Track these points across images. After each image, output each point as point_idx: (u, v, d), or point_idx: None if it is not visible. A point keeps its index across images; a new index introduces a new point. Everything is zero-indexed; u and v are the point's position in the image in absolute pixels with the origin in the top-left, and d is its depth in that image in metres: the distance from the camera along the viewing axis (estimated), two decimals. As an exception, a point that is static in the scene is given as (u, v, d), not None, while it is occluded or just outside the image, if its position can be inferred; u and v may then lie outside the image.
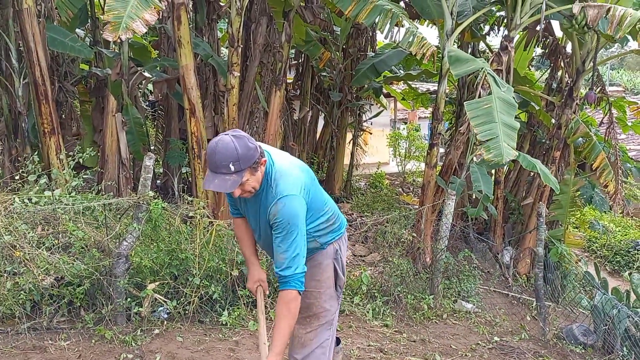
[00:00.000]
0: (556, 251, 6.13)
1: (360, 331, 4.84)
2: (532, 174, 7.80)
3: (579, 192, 7.23)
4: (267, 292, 3.15)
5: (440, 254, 5.64)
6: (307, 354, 2.97)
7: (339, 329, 4.82)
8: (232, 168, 2.44)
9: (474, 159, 6.42)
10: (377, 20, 5.62)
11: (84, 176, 4.96)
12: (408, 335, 4.86)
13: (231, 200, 3.01)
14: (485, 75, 5.35)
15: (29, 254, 3.93)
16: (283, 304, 2.64)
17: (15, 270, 3.97)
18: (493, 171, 7.46)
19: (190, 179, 7.11)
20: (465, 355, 4.47)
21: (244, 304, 4.83)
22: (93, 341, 4.06)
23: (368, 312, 5.20)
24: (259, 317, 2.96)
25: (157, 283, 4.39)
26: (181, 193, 6.55)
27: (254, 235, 3.01)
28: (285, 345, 2.74)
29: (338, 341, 3.64)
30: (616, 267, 8.59)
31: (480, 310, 5.65)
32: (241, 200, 2.85)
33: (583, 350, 4.68)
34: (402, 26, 5.75)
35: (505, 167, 7.84)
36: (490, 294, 6.53)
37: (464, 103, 5.31)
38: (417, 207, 6.94)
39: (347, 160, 10.50)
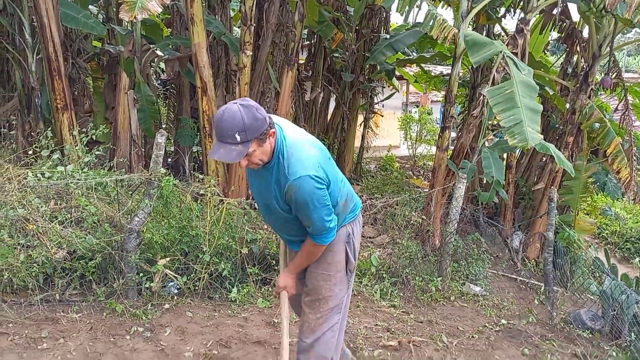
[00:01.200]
0: (563, 235, 6.09)
1: (367, 311, 4.87)
2: (544, 158, 7.74)
3: (593, 179, 7.16)
4: (294, 293, 3.09)
5: (450, 237, 5.64)
6: (316, 338, 2.98)
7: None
8: (238, 138, 2.38)
9: (486, 143, 6.38)
10: (396, 2, 5.55)
11: (97, 152, 4.98)
12: (415, 316, 4.89)
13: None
14: (502, 59, 5.29)
15: (42, 227, 3.97)
16: (309, 245, 2.78)
17: (29, 243, 4.03)
18: (505, 155, 7.42)
19: (201, 158, 7.13)
20: (472, 336, 4.49)
21: (253, 281, 4.87)
22: (104, 314, 4.12)
23: (376, 292, 5.22)
24: (282, 322, 2.98)
25: (167, 259, 4.43)
26: (192, 172, 6.59)
27: (260, 209, 2.97)
28: (299, 270, 2.95)
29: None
30: (626, 255, 8.54)
31: (488, 294, 5.66)
32: (251, 172, 2.81)
33: (590, 335, 4.68)
34: (420, 9, 5.71)
35: (517, 152, 7.78)
36: (498, 278, 6.53)
37: (486, 91, 5.25)
38: (427, 190, 6.92)
39: (357, 143, 10.47)
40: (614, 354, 4.28)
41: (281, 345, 2.91)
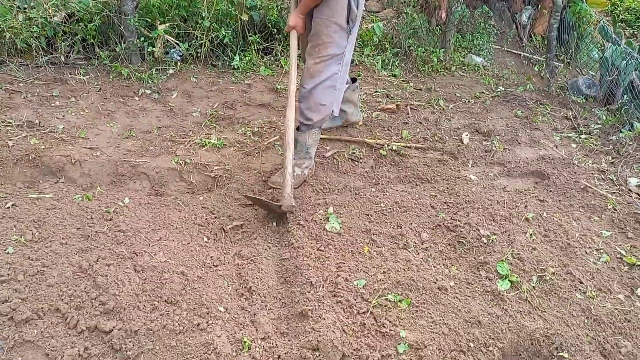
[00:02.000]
0: (575, 9, 5.88)
1: (368, 79, 4.96)
2: None
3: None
4: (302, 32, 3.24)
5: (456, 6, 5.46)
6: (315, 85, 3.11)
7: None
8: None
9: None
10: None
11: None
12: (415, 84, 4.99)
13: None
14: None
15: (34, -13, 3.86)
16: None
17: (26, 5, 3.95)
18: None
19: None
20: (468, 101, 4.64)
21: (254, 50, 4.88)
22: (111, 77, 4.23)
23: (377, 62, 5.26)
24: (292, 56, 3.16)
25: (167, 24, 4.38)
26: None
27: None
28: (307, 9, 3.07)
29: (354, 80, 3.77)
30: (636, 32, 8.33)
31: (489, 65, 5.69)
32: None
33: (584, 101, 4.82)
34: None
35: None
36: (502, 53, 6.48)
37: None
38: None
39: None
40: (604, 116, 4.46)
41: (289, 80, 3.12)
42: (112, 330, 2.14)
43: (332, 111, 3.28)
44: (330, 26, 2.98)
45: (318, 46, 3.04)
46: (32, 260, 2.40)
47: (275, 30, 4.94)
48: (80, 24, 4.15)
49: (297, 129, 3.25)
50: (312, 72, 3.10)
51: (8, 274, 2.30)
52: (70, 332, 2.13)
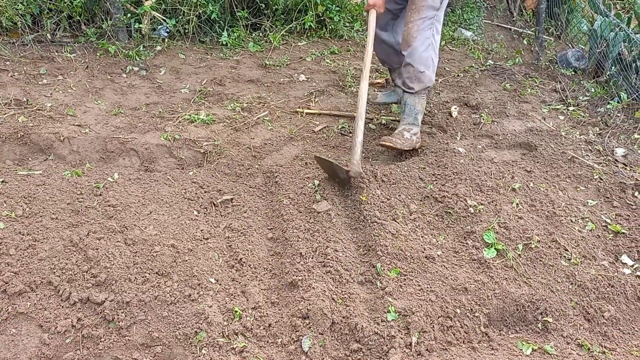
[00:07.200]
0: (566, -19, 5.86)
1: (357, 54, 4.94)
2: None
3: None
4: (382, 11, 3.29)
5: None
6: (411, 51, 3.21)
7: (338, 51, 4.92)
8: None
9: None
10: None
11: None
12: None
13: None
14: None
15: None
16: None
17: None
18: None
19: None
20: (457, 75, 4.64)
21: (243, 26, 4.85)
22: (98, 54, 4.20)
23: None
24: (369, 34, 3.24)
25: (153, 0, 4.34)
26: None
27: None
28: None
29: None
30: (626, 5, 8.32)
31: (478, 39, 5.68)
32: None
33: (573, 73, 4.83)
34: None
35: None
36: (492, 27, 6.47)
37: None
38: None
39: None
40: (592, 88, 4.48)
41: (365, 54, 3.22)
42: (104, 301, 2.17)
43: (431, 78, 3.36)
44: None
45: (411, 10, 3.13)
46: (23, 234, 2.42)
47: (264, 6, 4.89)
48: (66, 0, 4.11)
49: (404, 92, 3.38)
50: (406, 38, 3.20)
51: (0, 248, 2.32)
52: (63, 303, 2.16)
